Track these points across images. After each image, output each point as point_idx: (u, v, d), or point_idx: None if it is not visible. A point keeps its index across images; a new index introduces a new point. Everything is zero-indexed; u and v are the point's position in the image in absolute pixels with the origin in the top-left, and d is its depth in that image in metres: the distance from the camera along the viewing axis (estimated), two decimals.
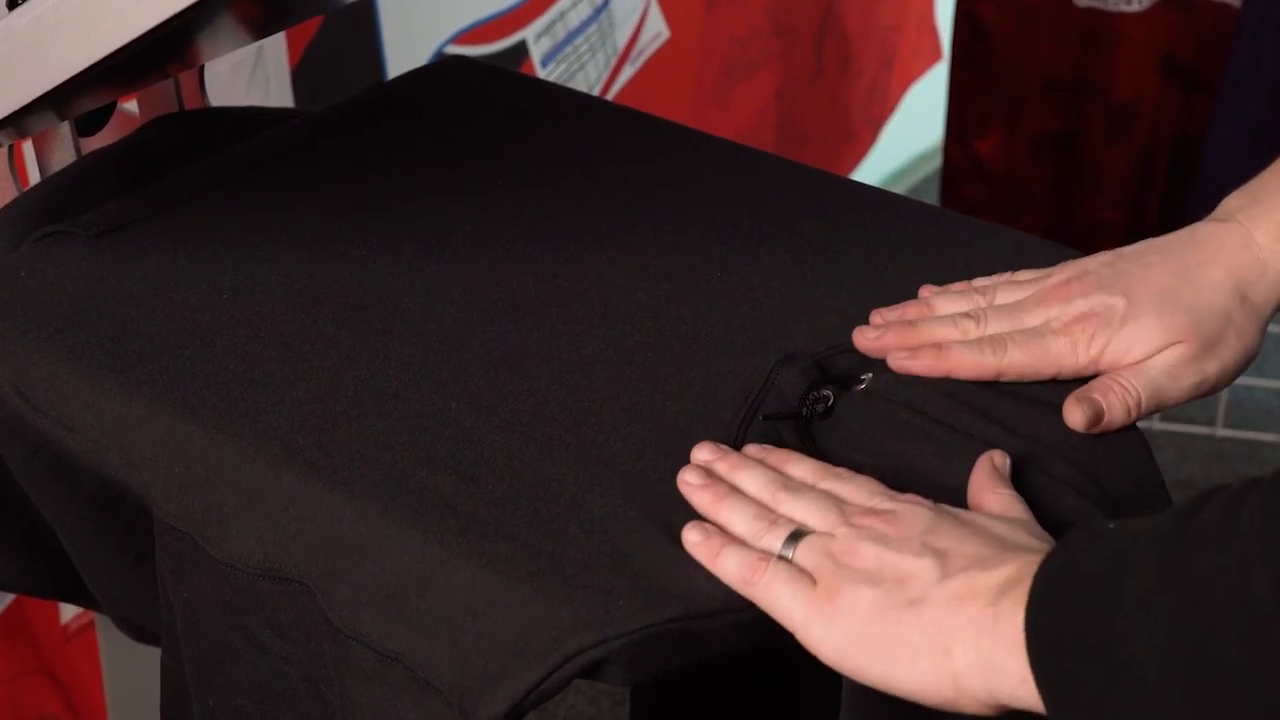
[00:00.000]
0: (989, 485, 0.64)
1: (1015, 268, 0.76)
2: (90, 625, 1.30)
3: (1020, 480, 0.65)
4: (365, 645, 0.63)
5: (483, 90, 1.02)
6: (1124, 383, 0.69)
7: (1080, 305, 0.70)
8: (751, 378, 0.71)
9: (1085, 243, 1.88)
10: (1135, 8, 1.86)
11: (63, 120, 0.90)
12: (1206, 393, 0.70)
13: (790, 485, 0.64)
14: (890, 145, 2.48)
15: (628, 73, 1.83)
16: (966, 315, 0.73)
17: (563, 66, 1.73)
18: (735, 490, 0.64)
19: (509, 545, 0.62)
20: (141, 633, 0.89)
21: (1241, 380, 2.08)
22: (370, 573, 0.63)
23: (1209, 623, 0.49)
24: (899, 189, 2.38)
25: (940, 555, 0.58)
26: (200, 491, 0.68)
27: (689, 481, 0.65)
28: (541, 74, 1.69)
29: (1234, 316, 0.69)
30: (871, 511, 0.62)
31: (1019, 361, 0.70)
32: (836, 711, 0.62)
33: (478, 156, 0.93)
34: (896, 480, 0.65)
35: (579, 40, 1.74)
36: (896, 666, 0.57)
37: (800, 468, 0.65)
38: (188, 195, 0.87)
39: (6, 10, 0.75)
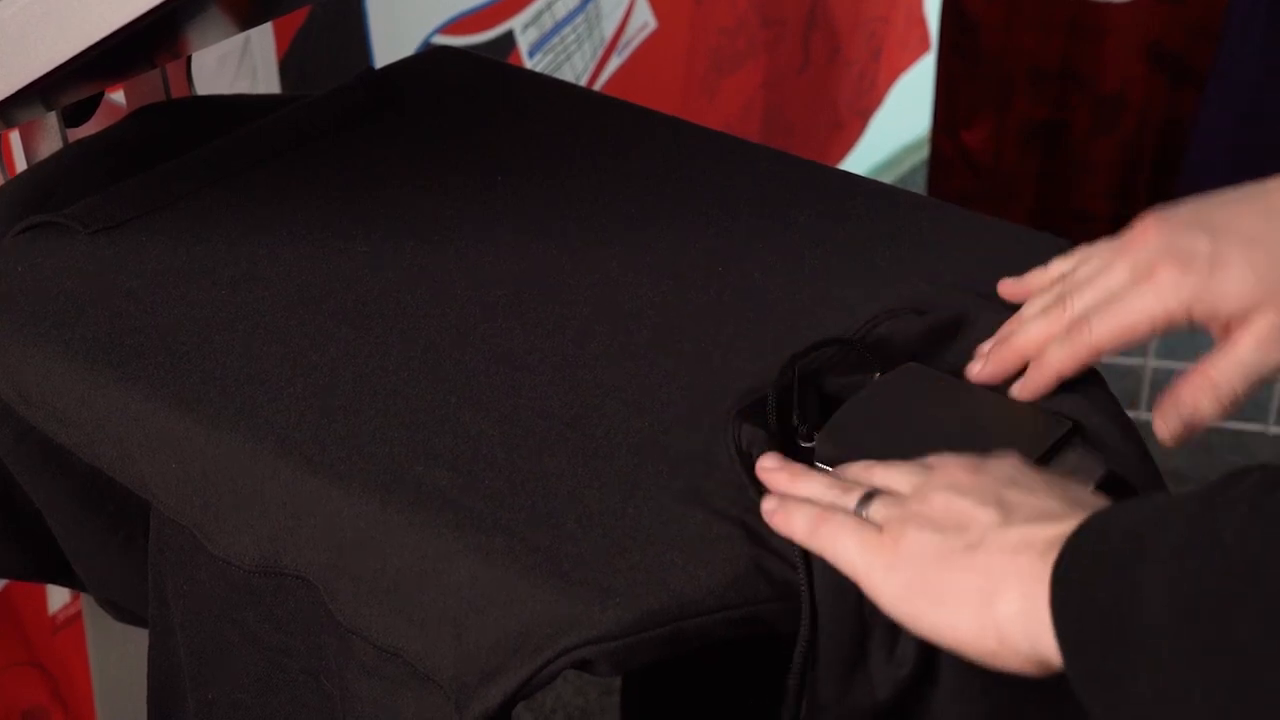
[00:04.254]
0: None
1: (1010, 259, 0.76)
2: (78, 616, 1.30)
3: None
4: (366, 639, 0.63)
5: (474, 82, 1.01)
6: (1215, 377, 0.67)
7: (1159, 247, 0.66)
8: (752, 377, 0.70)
9: (1073, 232, 1.88)
10: None
11: (50, 111, 0.90)
12: None
13: (880, 465, 0.64)
14: (878, 136, 2.48)
15: (615, 63, 1.82)
16: (1056, 304, 0.70)
17: (550, 57, 1.72)
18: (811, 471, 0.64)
19: (506, 540, 0.62)
20: (127, 614, 0.88)
21: None
22: (370, 567, 0.63)
23: (1230, 591, 0.48)
24: (886, 179, 2.38)
25: (1007, 506, 0.58)
26: (197, 487, 0.68)
27: (766, 466, 0.64)
28: (529, 64, 1.68)
29: None
30: (960, 465, 0.62)
31: (1106, 333, 0.67)
32: None
33: (473, 151, 0.92)
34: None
35: (566, 30, 1.74)
36: (943, 613, 0.57)
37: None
38: (183, 190, 0.86)
39: None
